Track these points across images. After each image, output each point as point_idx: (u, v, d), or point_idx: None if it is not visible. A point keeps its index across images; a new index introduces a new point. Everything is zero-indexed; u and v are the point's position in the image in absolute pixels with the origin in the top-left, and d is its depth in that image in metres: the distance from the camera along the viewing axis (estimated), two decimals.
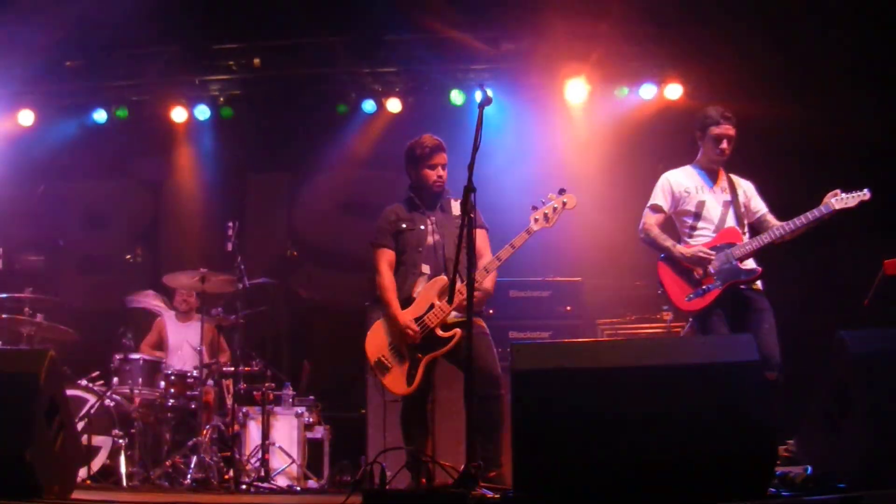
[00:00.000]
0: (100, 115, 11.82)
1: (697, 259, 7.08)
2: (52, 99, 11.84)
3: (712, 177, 7.42)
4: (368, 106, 11.39)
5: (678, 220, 7.45)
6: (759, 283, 7.21)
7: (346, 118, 11.60)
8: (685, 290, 7.14)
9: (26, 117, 11.74)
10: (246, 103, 11.73)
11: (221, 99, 11.69)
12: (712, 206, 7.31)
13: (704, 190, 7.36)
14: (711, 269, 7.06)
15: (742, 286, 7.09)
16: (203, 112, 11.65)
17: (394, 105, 11.29)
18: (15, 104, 11.76)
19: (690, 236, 7.35)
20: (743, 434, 4.54)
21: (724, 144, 7.29)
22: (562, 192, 6.81)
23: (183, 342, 9.97)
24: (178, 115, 11.69)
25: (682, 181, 7.44)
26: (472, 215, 5.74)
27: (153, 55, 11.43)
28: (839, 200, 6.95)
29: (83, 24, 10.34)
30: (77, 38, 10.83)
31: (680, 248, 7.21)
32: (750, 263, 7.16)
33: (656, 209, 7.44)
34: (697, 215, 7.32)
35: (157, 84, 11.68)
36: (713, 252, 7.09)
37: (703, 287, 7.06)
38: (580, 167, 10.58)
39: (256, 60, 11.37)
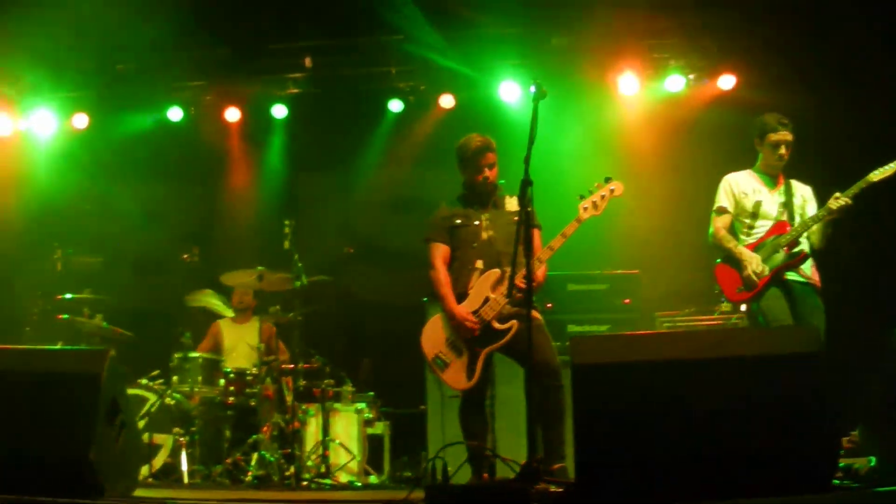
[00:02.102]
0: (153, 117, 11.92)
1: (755, 263, 7.26)
2: (105, 102, 11.94)
3: (771, 181, 7.55)
4: (420, 103, 11.39)
5: (737, 220, 7.58)
6: (815, 277, 7.35)
7: (398, 115, 11.60)
8: (737, 282, 7.34)
9: (81, 120, 11.86)
10: (298, 102, 11.76)
11: (275, 98, 11.72)
12: (769, 206, 7.46)
13: (762, 192, 7.50)
14: (762, 261, 7.26)
15: (791, 277, 7.26)
16: (256, 112, 11.71)
17: (446, 101, 11.28)
18: (69, 108, 11.88)
19: (748, 234, 7.51)
20: (806, 425, 4.48)
21: (783, 150, 7.42)
22: (608, 179, 6.78)
23: (239, 342, 10.00)
24: (232, 115, 11.75)
25: (741, 182, 7.60)
26: (529, 209, 5.72)
27: (206, 56, 11.49)
28: (876, 174, 7.07)
29: (135, 27, 10.40)
30: (129, 41, 10.90)
31: (741, 249, 7.38)
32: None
33: (721, 211, 7.60)
34: (755, 215, 7.47)
35: (210, 85, 11.74)
36: (765, 264, 7.26)
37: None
38: (634, 160, 10.51)
39: (307, 60, 11.39)
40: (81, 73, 11.56)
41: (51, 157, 12.03)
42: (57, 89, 11.63)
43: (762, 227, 7.42)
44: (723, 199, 7.59)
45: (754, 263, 7.23)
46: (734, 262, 7.37)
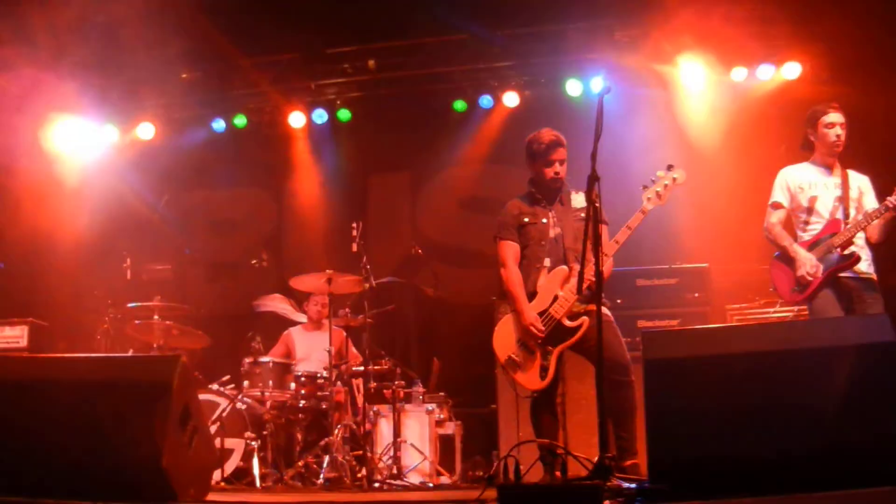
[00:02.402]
0: (218, 125, 12.02)
1: (809, 264, 7.17)
2: (170, 111, 12.09)
3: (827, 172, 7.43)
4: (485, 101, 11.39)
5: (793, 215, 7.51)
6: (871, 271, 7.25)
7: (463, 115, 11.60)
8: (791, 282, 7.29)
9: (146, 131, 12.02)
10: (363, 105, 11.82)
11: (338, 102, 11.81)
12: (824, 201, 7.35)
13: (818, 186, 7.39)
14: (817, 262, 7.17)
15: (844, 274, 7.15)
16: (321, 116, 11.80)
17: (511, 99, 11.26)
18: (135, 118, 12.02)
19: (804, 230, 7.42)
20: (888, 416, 4.39)
21: (838, 131, 7.31)
22: (670, 168, 6.70)
23: (311, 350, 10.02)
24: (297, 120, 11.82)
25: (797, 176, 7.49)
26: (597, 204, 5.67)
27: (268, 63, 11.56)
28: None
29: (196, 37, 10.49)
30: (192, 51, 10.99)
31: (795, 248, 7.29)
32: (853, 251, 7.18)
33: (776, 206, 7.53)
34: (810, 210, 7.37)
35: (273, 91, 11.81)
36: (819, 263, 7.16)
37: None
38: (700, 152, 10.40)
39: (371, 62, 11.43)
40: (146, 83, 11.69)
41: (118, 168, 12.16)
42: (123, 101, 11.77)
43: (817, 223, 7.32)
44: (778, 193, 7.50)
45: (808, 265, 7.13)
46: (789, 260, 7.30)
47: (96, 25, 10.11)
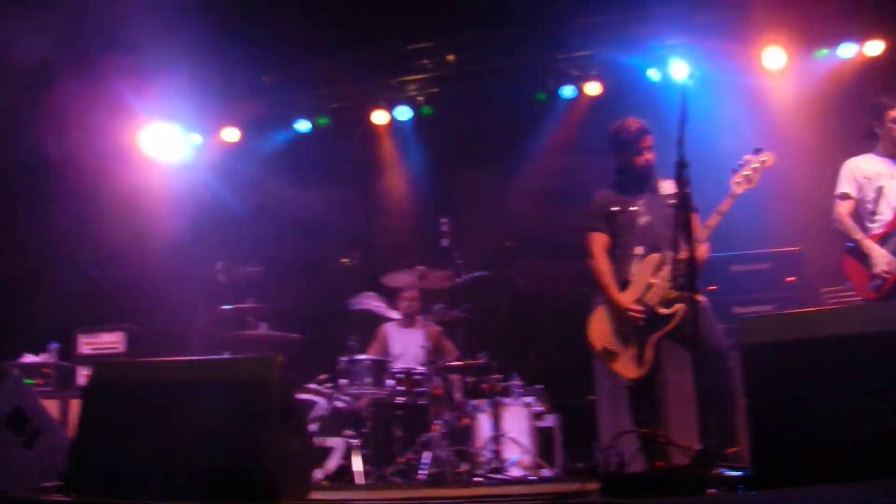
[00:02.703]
0: (302, 125, 12.13)
1: (883, 263, 7.07)
2: (254, 114, 12.20)
3: (892, 163, 7.35)
4: (567, 91, 11.34)
5: (861, 206, 7.42)
6: None
7: (545, 106, 11.57)
8: (868, 279, 7.17)
9: (231, 134, 12.17)
10: (445, 100, 11.83)
11: (420, 98, 11.82)
12: (891, 192, 7.25)
13: (884, 176, 7.31)
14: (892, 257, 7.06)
15: None
16: (403, 113, 11.84)
17: (592, 88, 11.20)
18: (219, 122, 12.18)
19: (872, 221, 7.32)
20: None
21: None
22: (757, 151, 6.63)
23: (407, 347, 10.05)
24: (380, 117, 11.89)
25: (863, 167, 7.44)
26: (686, 191, 5.63)
27: (349, 61, 11.62)
28: None
29: (276, 38, 10.59)
30: (272, 52, 11.10)
31: (869, 244, 7.18)
32: None
33: (844, 197, 7.47)
34: (876, 201, 7.28)
35: (355, 89, 11.89)
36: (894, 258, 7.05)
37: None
38: (786, 134, 10.27)
39: (450, 57, 11.44)
40: (229, 87, 11.83)
41: (205, 172, 12.33)
42: (206, 105, 11.93)
43: (885, 214, 7.22)
44: (844, 184, 7.44)
45: (882, 263, 7.03)
46: (862, 256, 7.19)
47: (181, 32, 10.26)
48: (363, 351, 9.82)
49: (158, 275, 11.81)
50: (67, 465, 5.02)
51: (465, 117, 11.81)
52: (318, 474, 8.29)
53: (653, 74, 10.87)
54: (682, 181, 5.64)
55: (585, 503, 4.93)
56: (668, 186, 6.78)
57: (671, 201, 6.11)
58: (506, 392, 9.32)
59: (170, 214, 12.00)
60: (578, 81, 11.24)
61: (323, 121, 12.18)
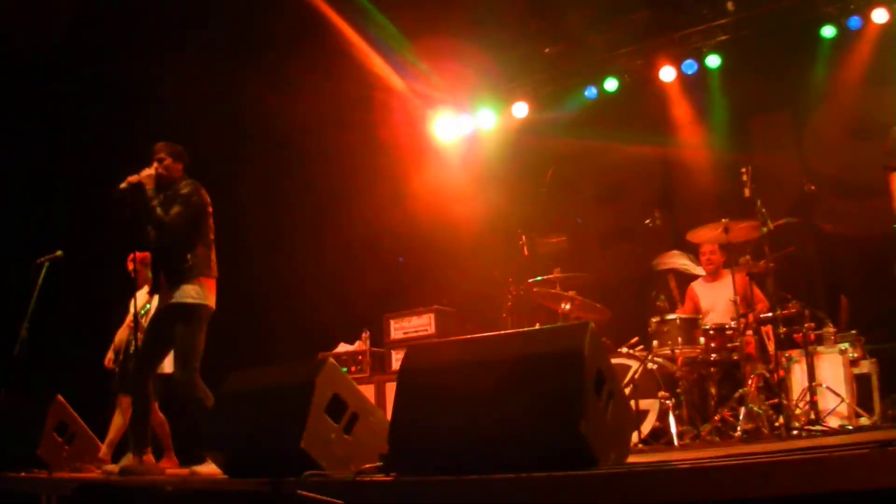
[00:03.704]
0: (590, 92, 12.21)
1: None
2: (540, 87, 12.38)
3: None
4: (853, 22, 10.94)
5: None
6: None
7: (832, 40, 11.18)
8: None
9: (520, 109, 12.39)
10: (729, 48, 11.64)
11: (705, 49, 11.69)
12: None
13: None
14: None
15: None
16: (690, 66, 11.78)
17: (879, 16, 10.75)
18: (507, 99, 12.40)
19: None
20: None
21: None
22: None
23: (716, 300, 9.95)
24: (667, 74, 11.83)
25: None
26: None
27: (627, 23, 11.61)
28: None
29: (552, 12, 10.70)
30: (550, 25, 11.22)
31: None
32: None
33: None
34: None
35: (638, 50, 11.86)
36: None
37: None
38: None
39: (729, 3, 11.25)
40: (513, 64, 12.02)
41: (499, 149, 12.57)
42: (495, 83, 12.17)
43: None
44: None
45: None
46: None
47: (463, 21, 10.53)
48: (673, 311, 9.78)
49: (462, 255, 12.15)
50: (387, 446, 5.25)
51: (752, 62, 11.55)
52: (634, 438, 8.33)
53: None
54: None
55: None
56: None
57: None
58: (819, 340, 9.09)
59: (468, 196, 12.33)
60: (864, 10, 10.81)
61: (609, 85, 12.20)
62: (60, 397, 8.71)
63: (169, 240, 7.57)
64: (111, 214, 7.78)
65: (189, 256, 7.52)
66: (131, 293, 8.02)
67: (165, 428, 9.62)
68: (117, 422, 9.70)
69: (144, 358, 7.65)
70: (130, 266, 9.29)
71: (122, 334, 10.11)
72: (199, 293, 7.48)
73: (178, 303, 7.44)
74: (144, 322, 8.77)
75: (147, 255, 8.79)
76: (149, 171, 7.64)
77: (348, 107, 12.59)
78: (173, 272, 7.55)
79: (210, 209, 7.76)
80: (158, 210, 7.48)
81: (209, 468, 6.92)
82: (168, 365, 7.90)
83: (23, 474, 7.91)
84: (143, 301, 9.46)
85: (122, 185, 7.55)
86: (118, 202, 7.51)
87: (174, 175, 7.79)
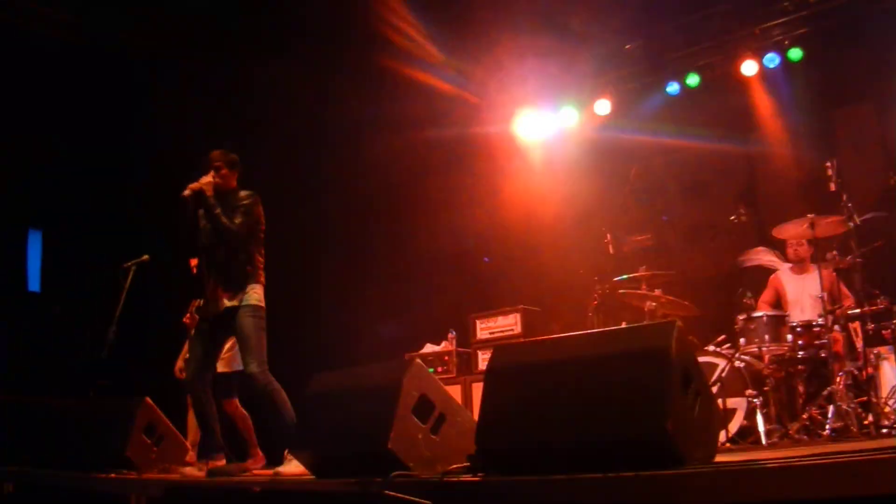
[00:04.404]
0: (672, 88, 12.16)
1: None
2: (621, 84, 12.37)
3: None
4: None
5: None
6: None
7: None
8: None
9: (602, 106, 12.40)
10: (811, 40, 11.51)
11: (786, 42, 11.57)
12: None
13: None
14: None
15: None
16: (772, 60, 11.67)
17: None
18: (590, 97, 12.40)
19: None
20: None
21: None
22: None
23: (801, 294, 9.86)
24: (749, 68, 11.74)
25: None
26: None
27: (706, 17, 11.55)
28: None
29: (629, 8, 10.68)
30: (630, 22, 11.20)
31: None
32: None
33: None
34: None
35: (718, 45, 11.79)
36: None
37: None
38: None
39: None
40: (595, 61, 12.02)
41: (582, 148, 12.57)
42: (577, 81, 12.18)
43: None
44: None
45: None
46: None
47: (544, 19, 10.55)
48: (758, 299, 9.70)
49: (548, 255, 12.17)
50: (474, 446, 5.29)
51: (834, 54, 11.42)
52: (722, 437, 8.29)
53: None
54: None
55: None
56: None
57: None
58: None
59: (553, 195, 12.34)
60: None
61: (692, 80, 12.14)
62: (148, 399, 8.86)
63: (234, 246, 7.82)
64: (176, 220, 7.95)
65: (252, 263, 7.88)
66: (198, 296, 8.27)
67: (248, 423, 9.74)
68: (193, 422, 9.90)
69: (199, 361, 7.94)
70: (195, 271, 9.45)
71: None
72: (260, 297, 7.84)
73: (248, 304, 7.74)
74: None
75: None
76: (208, 179, 7.85)
77: (436, 109, 12.69)
78: (235, 277, 7.84)
79: (263, 220, 8.03)
80: (224, 218, 7.71)
81: (291, 468, 7.03)
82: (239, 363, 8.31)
83: (112, 475, 8.06)
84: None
85: (186, 192, 7.79)
86: (181, 209, 7.77)
87: (229, 184, 8.03)
